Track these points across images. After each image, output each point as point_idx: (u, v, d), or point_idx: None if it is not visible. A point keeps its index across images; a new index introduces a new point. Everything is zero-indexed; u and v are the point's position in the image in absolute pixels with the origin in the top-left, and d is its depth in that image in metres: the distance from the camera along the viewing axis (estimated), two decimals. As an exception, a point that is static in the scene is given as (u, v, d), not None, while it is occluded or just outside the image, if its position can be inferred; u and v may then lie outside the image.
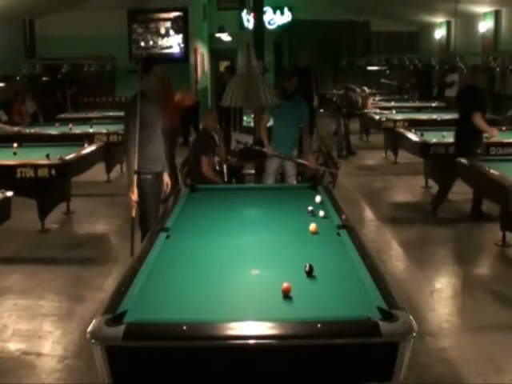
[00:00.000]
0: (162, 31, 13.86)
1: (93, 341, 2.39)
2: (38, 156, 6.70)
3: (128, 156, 4.90)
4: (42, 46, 13.52)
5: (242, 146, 7.03)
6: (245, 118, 9.48)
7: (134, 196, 4.89)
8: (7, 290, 5.05)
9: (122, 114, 10.62)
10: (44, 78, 12.52)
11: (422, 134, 8.23)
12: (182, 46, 13.89)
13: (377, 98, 15.17)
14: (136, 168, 4.86)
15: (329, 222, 4.02)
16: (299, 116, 6.45)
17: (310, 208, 4.22)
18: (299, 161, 6.59)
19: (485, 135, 6.86)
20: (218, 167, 6.83)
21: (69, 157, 6.69)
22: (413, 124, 9.65)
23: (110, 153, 8.65)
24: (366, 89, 12.84)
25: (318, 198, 4.45)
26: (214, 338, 2.40)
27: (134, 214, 5.03)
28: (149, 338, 2.42)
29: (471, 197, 6.96)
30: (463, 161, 6.39)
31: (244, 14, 15.59)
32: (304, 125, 6.56)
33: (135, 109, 4.81)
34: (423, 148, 7.69)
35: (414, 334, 2.41)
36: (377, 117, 10.99)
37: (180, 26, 13.80)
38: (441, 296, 4.88)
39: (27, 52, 13.25)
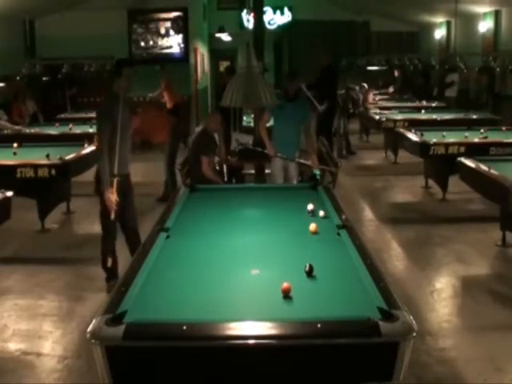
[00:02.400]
0: (162, 31, 13.85)
1: (93, 341, 2.39)
2: (38, 156, 6.70)
3: (103, 157, 4.70)
4: (42, 45, 13.51)
5: (242, 147, 7.00)
6: (245, 118, 9.47)
7: (114, 196, 4.67)
8: (7, 290, 5.05)
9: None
10: (44, 78, 12.52)
11: (421, 134, 8.23)
12: (182, 46, 13.87)
13: (377, 98, 15.18)
14: (115, 170, 4.67)
15: (329, 222, 4.02)
16: (301, 117, 6.36)
17: (310, 208, 4.22)
18: (302, 161, 6.52)
19: None
20: (217, 167, 6.83)
21: (69, 157, 6.69)
22: (413, 124, 9.65)
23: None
24: (365, 84, 12.85)
25: (310, 206, 4.26)
26: (214, 338, 2.40)
27: (113, 216, 4.73)
28: (149, 337, 2.42)
29: (471, 197, 6.97)
30: (463, 161, 6.39)
31: (244, 13, 15.58)
32: (306, 125, 6.46)
33: (110, 111, 4.68)
34: (423, 148, 7.68)
35: (414, 334, 2.41)
36: (377, 117, 10.99)
37: (180, 25, 13.78)
38: (441, 296, 4.88)
39: (27, 52, 13.24)
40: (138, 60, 13.15)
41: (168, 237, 3.71)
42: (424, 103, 13.50)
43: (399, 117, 10.72)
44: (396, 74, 15.35)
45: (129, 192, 5.00)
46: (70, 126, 9.67)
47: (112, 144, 4.66)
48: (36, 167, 6.38)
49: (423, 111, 11.78)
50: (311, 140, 6.62)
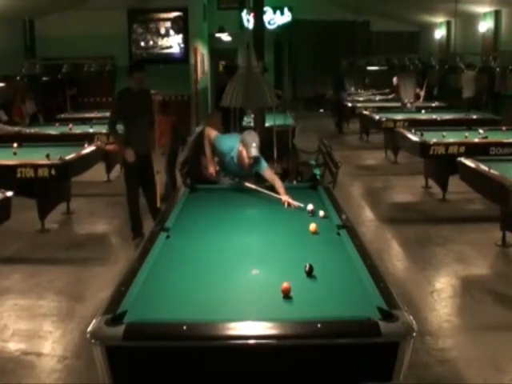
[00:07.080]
0: (162, 31, 13.85)
1: (93, 341, 2.39)
2: (38, 156, 6.70)
3: (112, 130, 6.25)
4: (41, 46, 13.50)
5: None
6: (245, 118, 9.48)
7: (131, 152, 5.96)
8: (7, 290, 5.05)
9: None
10: (44, 78, 12.51)
11: (421, 134, 8.23)
12: (182, 46, 13.87)
13: (377, 98, 15.18)
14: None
15: (329, 222, 4.02)
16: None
17: (310, 208, 4.22)
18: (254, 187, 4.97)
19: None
20: (217, 167, 6.81)
21: (69, 157, 6.69)
22: (413, 124, 9.65)
23: (110, 153, 8.65)
24: None
25: (310, 206, 4.24)
26: (214, 338, 2.40)
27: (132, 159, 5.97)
28: (149, 337, 2.41)
29: (471, 197, 6.96)
30: (463, 161, 6.39)
31: (244, 13, 15.58)
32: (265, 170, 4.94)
33: (120, 100, 6.14)
34: (423, 148, 7.68)
35: (414, 334, 2.41)
36: (377, 117, 10.99)
37: (180, 25, 13.78)
38: (441, 296, 4.88)
39: (27, 52, 13.23)
40: (139, 60, 13.15)
41: (168, 237, 3.71)
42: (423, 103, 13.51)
43: (399, 117, 10.72)
44: (395, 81, 15.34)
45: (149, 169, 6.29)
46: (70, 125, 9.67)
47: (127, 124, 6.11)
48: (36, 167, 6.38)
49: (423, 111, 11.78)
50: (278, 183, 4.79)
